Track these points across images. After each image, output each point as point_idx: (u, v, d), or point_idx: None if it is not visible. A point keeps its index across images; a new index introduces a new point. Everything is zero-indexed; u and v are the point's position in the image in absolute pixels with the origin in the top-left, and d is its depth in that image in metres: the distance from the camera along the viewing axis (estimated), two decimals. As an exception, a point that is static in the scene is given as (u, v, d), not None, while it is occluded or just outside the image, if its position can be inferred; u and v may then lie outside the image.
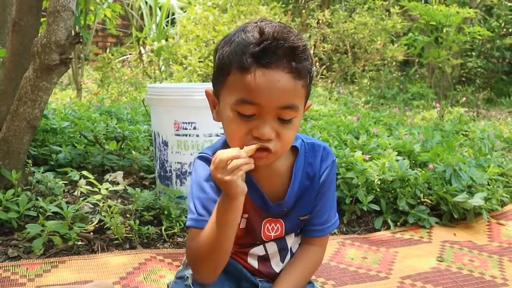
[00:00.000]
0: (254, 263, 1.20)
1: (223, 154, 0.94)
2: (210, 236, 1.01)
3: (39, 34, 2.11)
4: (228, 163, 0.93)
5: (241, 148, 0.97)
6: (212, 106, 1.09)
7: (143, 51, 7.69)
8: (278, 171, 1.13)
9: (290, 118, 0.98)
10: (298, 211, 1.16)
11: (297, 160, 1.14)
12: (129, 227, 1.94)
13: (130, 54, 7.58)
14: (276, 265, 1.21)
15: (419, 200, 2.36)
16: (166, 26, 8.14)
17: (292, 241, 1.21)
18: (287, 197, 1.13)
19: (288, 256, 1.22)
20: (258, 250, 1.19)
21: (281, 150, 1.02)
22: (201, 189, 1.07)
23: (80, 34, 2.07)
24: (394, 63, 6.73)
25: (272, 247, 1.19)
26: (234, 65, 0.96)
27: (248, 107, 0.96)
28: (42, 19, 2.49)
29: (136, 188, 2.16)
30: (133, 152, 2.88)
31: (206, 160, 1.10)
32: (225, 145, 1.12)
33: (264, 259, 1.20)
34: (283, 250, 1.21)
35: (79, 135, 3.01)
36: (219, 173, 0.94)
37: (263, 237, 1.16)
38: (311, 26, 7.11)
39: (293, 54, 0.96)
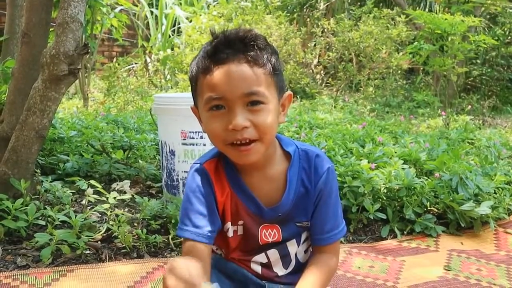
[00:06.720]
0: (257, 268, 1.21)
1: (177, 276, 0.90)
2: None
3: (48, 45, 2.14)
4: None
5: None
6: (199, 120, 1.14)
7: (148, 60, 7.75)
8: (271, 176, 1.14)
9: (256, 100, 1.02)
10: (295, 217, 1.16)
11: (290, 165, 1.14)
12: (137, 236, 1.95)
13: (136, 63, 7.63)
14: (280, 270, 1.21)
15: (425, 209, 2.36)
16: (172, 35, 8.20)
17: (295, 249, 1.21)
18: (282, 202, 1.13)
19: (293, 263, 1.22)
20: (260, 258, 1.20)
21: (263, 135, 1.03)
22: (188, 199, 1.12)
23: (88, 45, 2.10)
24: (399, 71, 6.73)
25: (274, 255, 1.20)
26: (199, 72, 1.06)
27: (215, 101, 1.03)
28: (51, 29, 2.52)
29: (143, 197, 2.18)
30: (140, 161, 2.90)
31: (196, 171, 1.14)
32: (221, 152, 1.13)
33: (267, 266, 1.21)
34: (285, 257, 1.21)
35: (86, 144, 3.04)
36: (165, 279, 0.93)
37: (260, 242, 1.17)
38: (316, 35, 7.13)
39: (244, 44, 1.03)
